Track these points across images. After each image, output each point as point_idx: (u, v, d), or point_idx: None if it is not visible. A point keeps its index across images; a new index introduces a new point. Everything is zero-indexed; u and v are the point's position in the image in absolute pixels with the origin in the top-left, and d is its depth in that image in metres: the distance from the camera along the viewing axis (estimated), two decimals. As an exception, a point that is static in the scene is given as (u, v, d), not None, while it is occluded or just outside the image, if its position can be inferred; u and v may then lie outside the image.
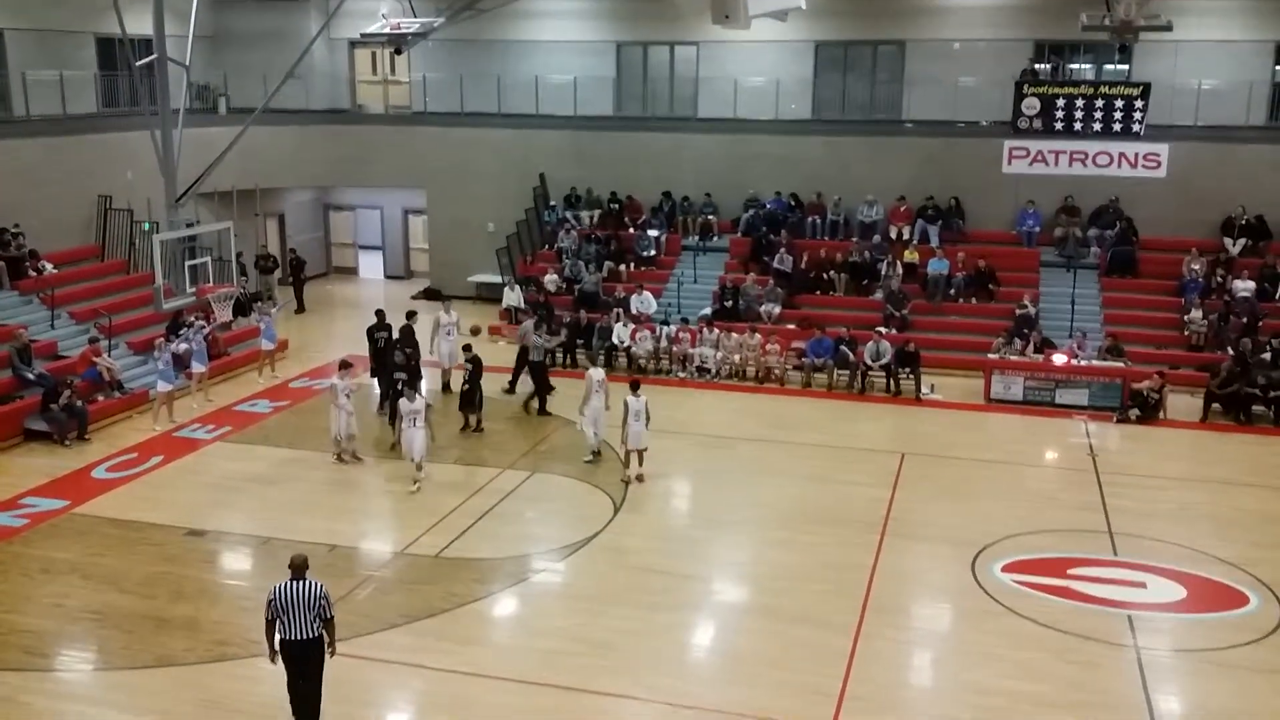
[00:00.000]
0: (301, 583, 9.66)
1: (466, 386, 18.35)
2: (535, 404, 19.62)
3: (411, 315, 20.29)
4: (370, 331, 19.97)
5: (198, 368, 20.10)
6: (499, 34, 28.36)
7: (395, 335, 19.54)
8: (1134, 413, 19.64)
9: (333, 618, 9.89)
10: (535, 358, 19.89)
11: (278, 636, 9.71)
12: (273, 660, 9.85)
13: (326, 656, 9.97)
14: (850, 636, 11.91)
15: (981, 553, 14.04)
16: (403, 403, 16.04)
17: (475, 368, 18.26)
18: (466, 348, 18.94)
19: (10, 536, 14.35)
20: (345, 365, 17.25)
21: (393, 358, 18.61)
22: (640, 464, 16.46)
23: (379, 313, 20.12)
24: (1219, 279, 23.21)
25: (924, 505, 15.78)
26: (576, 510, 15.47)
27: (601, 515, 15.18)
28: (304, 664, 9.83)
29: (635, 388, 16.58)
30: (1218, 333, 21.95)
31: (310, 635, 9.70)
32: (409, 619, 12.25)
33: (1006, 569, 13.61)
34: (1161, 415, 19.69)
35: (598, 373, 17.21)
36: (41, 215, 22.49)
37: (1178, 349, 22.23)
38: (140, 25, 21.90)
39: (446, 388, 20.73)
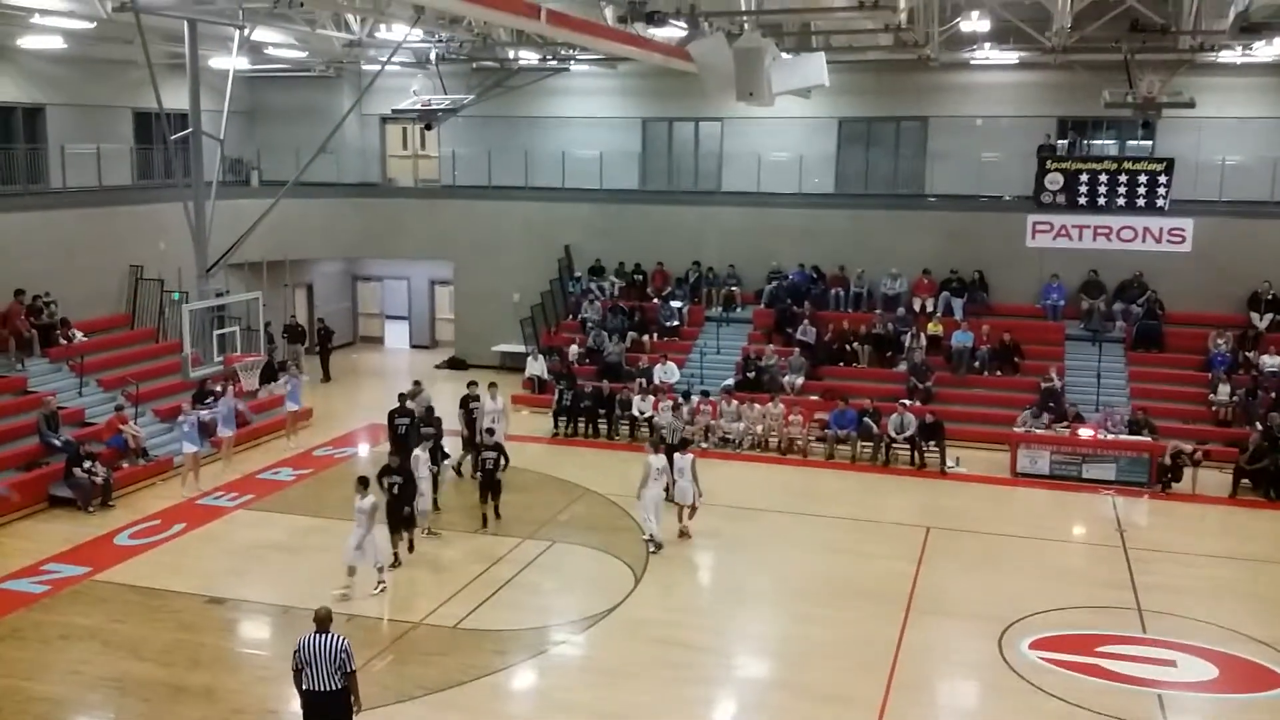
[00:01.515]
0: (324, 636, 9.79)
1: (487, 470, 17.34)
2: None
3: (472, 387, 20.42)
4: (391, 416, 19.50)
5: (225, 433, 20.24)
6: (527, 110, 28.90)
7: (419, 413, 19.44)
8: (1168, 479, 19.60)
9: (354, 671, 9.92)
10: (669, 440, 18.84)
11: (304, 685, 9.84)
12: (302, 708, 10.00)
13: (354, 711, 10.00)
14: (875, 714, 11.68)
15: (1008, 629, 13.79)
16: (357, 499, 14.61)
17: (500, 455, 17.52)
18: (474, 383, 19.54)
19: (31, 603, 14.36)
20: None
21: (415, 442, 17.71)
22: (690, 517, 16.87)
23: (402, 396, 19.77)
24: (1246, 354, 23.03)
25: (950, 580, 15.56)
26: (597, 581, 15.35)
27: (622, 587, 15.05)
28: (326, 716, 9.87)
29: (683, 445, 17.75)
30: (1246, 408, 21.72)
31: (331, 688, 9.77)
32: (426, 691, 12.12)
33: (1034, 645, 13.36)
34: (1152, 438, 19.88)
35: (657, 459, 16.44)
36: (74, 284, 22.87)
37: (1205, 424, 21.99)
38: (177, 101, 22.44)
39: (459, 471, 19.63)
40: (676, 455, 16.87)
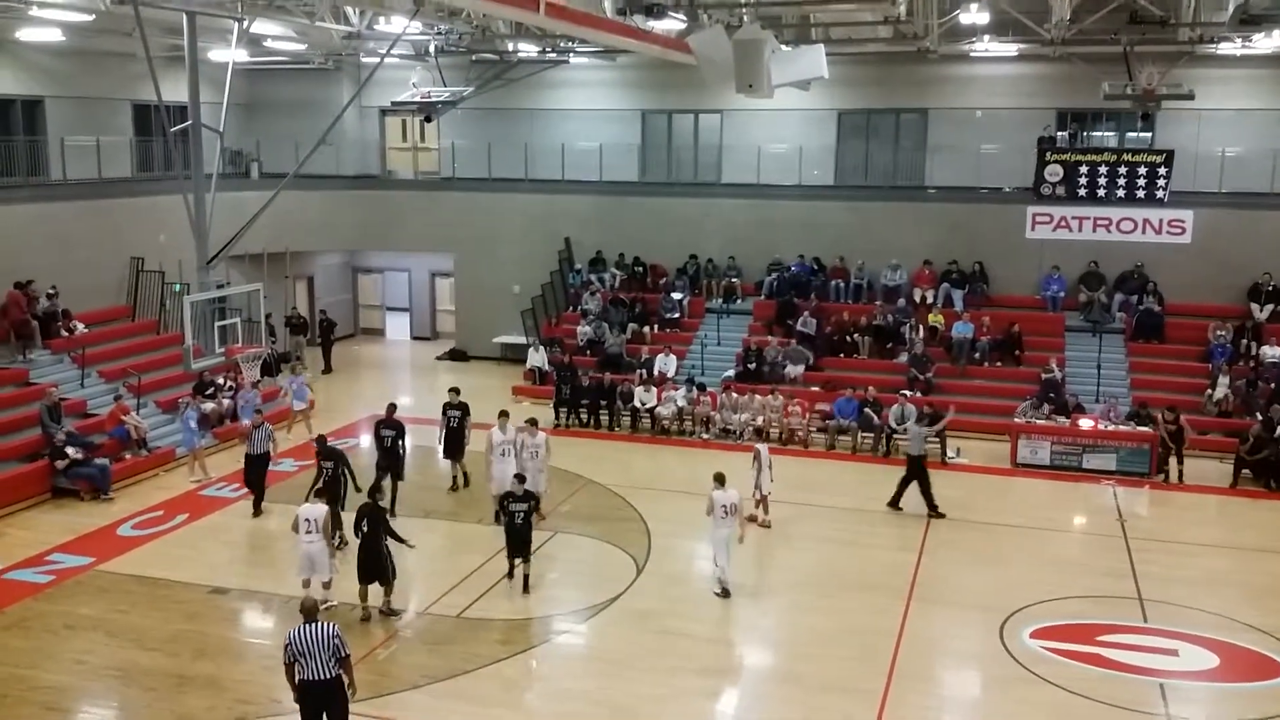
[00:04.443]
0: (314, 625, 9.83)
1: (453, 429, 17.52)
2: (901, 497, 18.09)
3: (452, 394, 18.63)
4: (377, 427, 17.89)
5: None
6: (526, 102, 28.87)
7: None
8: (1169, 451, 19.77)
9: (348, 656, 9.97)
10: (914, 451, 18.01)
11: (298, 677, 9.86)
12: (296, 700, 9.99)
13: (349, 696, 10.04)
14: (876, 705, 11.73)
15: (1010, 619, 13.84)
16: (304, 508, 13.82)
17: (464, 414, 17.90)
18: (454, 390, 18.64)
19: (35, 593, 14.41)
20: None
21: (398, 458, 17.32)
22: (766, 511, 17.06)
23: (391, 407, 17.96)
24: (1246, 345, 23.08)
25: (951, 570, 15.62)
26: (599, 571, 15.40)
27: (624, 577, 15.10)
28: (327, 704, 9.93)
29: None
30: (1246, 399, 21.77)
31: (328, 675, 9.82)
32: (430, 679, 12.17)
33: (1035, 635, 13.41)
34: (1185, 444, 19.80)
35: (726, 495, 14.38)
36: (75, 276, 22.89)
37: (1206, 414, 22.03)
38: (176, 93, 22.43)
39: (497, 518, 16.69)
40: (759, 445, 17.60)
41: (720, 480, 14.59)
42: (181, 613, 13.86)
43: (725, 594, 14.35)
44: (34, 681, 12.05)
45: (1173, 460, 19.91)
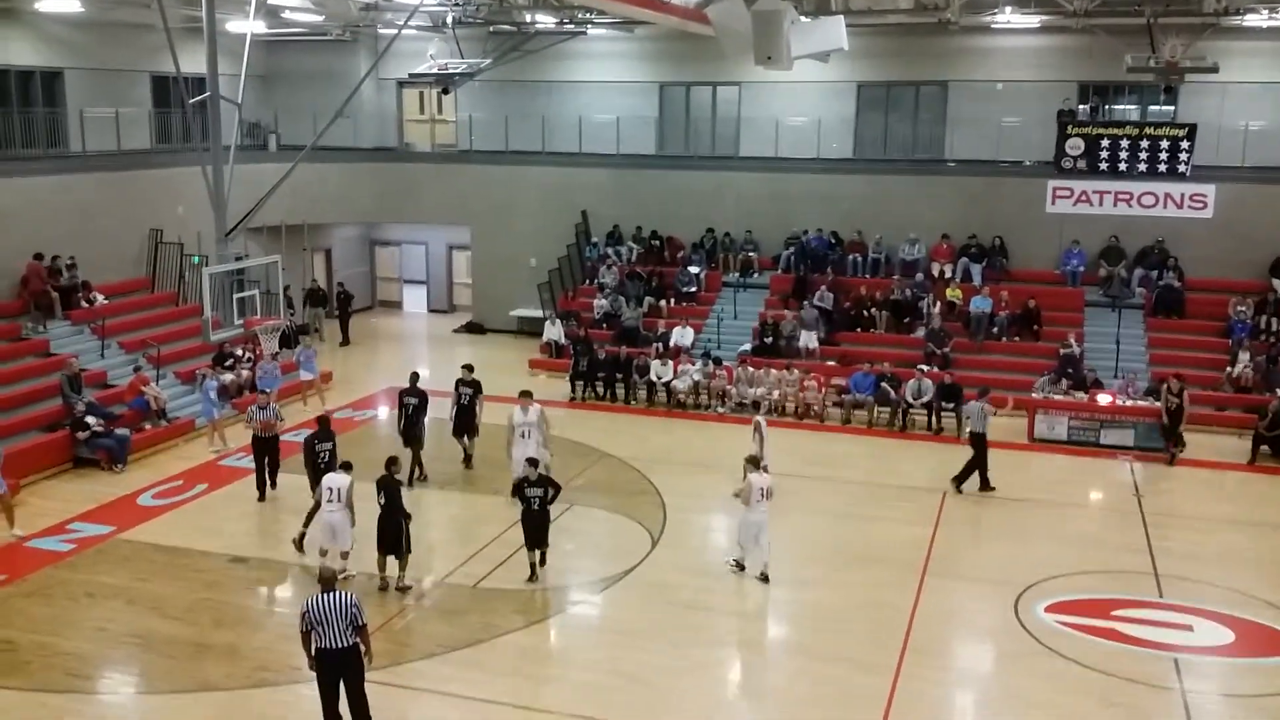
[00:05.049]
0: (332, 594, 9.92)
1: (464, 406, 17.33)
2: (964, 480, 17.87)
3: (465, 371, 18.20)
4: (400, 396, 17.86)
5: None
6: (544, 74, 28.78)
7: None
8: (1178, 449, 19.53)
9: (365, 625, 10.08)
10: (978, 428, 17.69)
11: (315, 645, 9.97)
12: (311, 666, 10.11)
13: (366, 663, 10.16)
14: (889, 678, 11.76)
15: (1024, 593, 13.85)
16: (329, 477, 13.80)
17: (476, 391, 17.79)
18: (468, 367, 18.31)
19: (57, 561, 14.59)
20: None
21: (420, 427, 17.51)
22: None
23: (414, 375, 18.12)
24: (1267, 320, 22.89)
25: (966, 545, 15.63)
26: (614, 543, 15.48)
27: (639, 549, 15.17)
28: (343, 672, 10.05)
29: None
30: (1266, 375, 21.62)
31: (345, 644, 9.92)
32: (446, 649, 12.28)
33: (1050, 610, 13.42)
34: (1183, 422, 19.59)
35: (762, 479, 14.06)
36: (95, 247, 23.03)
37: (1224, 391, 21.89)
38: (194, 65, 22.46)
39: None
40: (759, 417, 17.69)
41: (755, 463, 14.26)
42: (201, 581, 14.01)
43: (765, 579, 13.93)
44: (56, 648, 12.22)
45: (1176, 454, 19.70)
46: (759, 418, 17.91)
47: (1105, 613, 13.38)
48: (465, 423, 18.14)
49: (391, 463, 13.85)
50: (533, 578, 13.97)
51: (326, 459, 15.15)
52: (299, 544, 14.79)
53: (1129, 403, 20.47)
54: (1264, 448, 19.53)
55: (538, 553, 14.04)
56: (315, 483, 14.78)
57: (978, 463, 17.64)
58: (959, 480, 17.72)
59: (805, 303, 24.83)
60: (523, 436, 16.43)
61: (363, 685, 10.19)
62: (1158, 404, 20.14)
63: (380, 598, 13.38)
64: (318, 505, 14.25)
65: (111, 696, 11.54)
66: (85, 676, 11.73)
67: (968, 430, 18.19)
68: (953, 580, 14.33)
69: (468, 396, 18.06)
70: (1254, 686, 11.83)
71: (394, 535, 13.46)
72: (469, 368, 18.50)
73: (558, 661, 12.46)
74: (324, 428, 15.76)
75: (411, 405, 17.55)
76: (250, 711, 11.01)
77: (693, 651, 12.33)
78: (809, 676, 11.88)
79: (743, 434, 18.57)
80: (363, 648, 10.09)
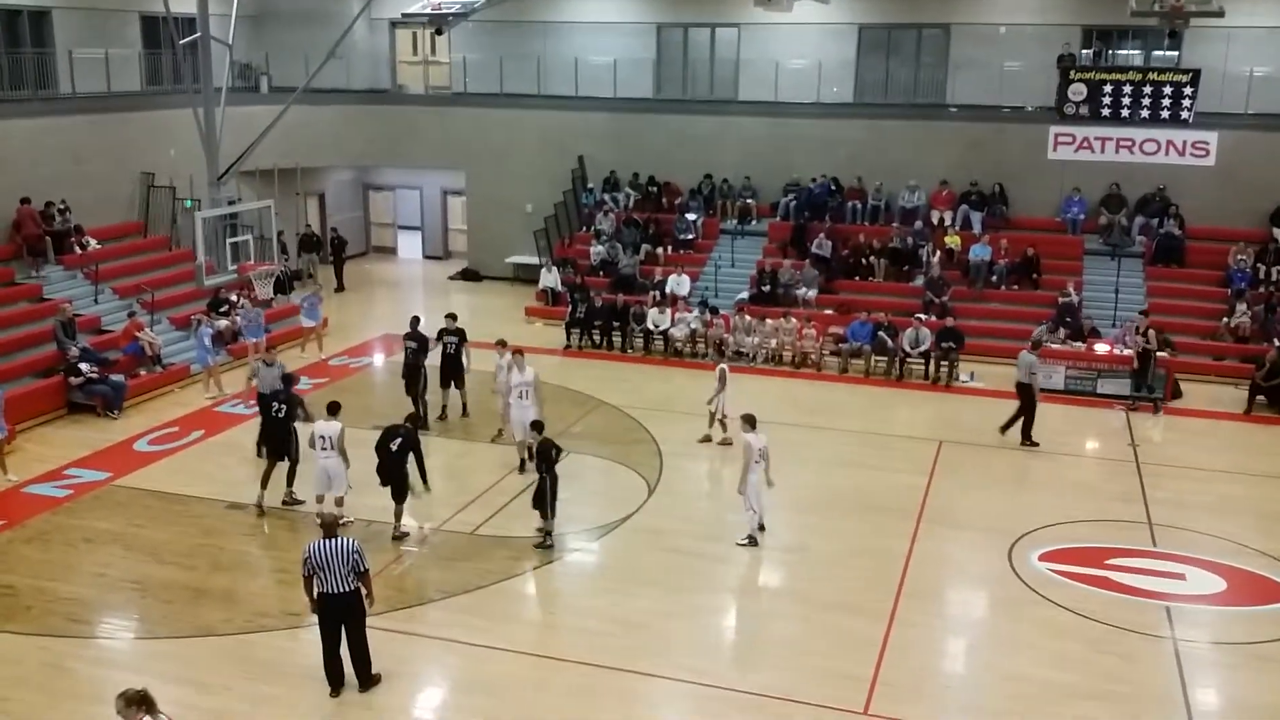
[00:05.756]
0: (334, 540, 9.98)
1: (450, 355, 17.43)
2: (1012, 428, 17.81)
3: (449, 320, 18.07)
4: (404, 340, 17.96)
5: (252, 339, 20.68)
6: (539, 15, 28.35)
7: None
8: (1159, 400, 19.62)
9: (367, 570, 10.15)
10: (1023, 379, 17.48)
11: (317, 590, 10.06)
12: (312, 610, 10.21)
13: (366, 608, 10.26)
14: (884, 623, 11.85)
15: (1018, 541, 13.92)
16: (319, 425, 13.81)
17: (461, 340, 17.67)
18: (451, 316, 18.06)
19: (54, 507, 14.60)
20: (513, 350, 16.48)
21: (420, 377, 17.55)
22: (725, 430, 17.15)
23: (415, 319, 18.22)
24: (1266, 270, 22.81)
25: (961, 493, 15.66)
26: (610, 491, 15.50)
27: (636, 497, 15.20)
28: (345, 616, 10.14)
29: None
30: (1264, 324, 21.58)
31: (347, 589, 10.01)
32: (444, 594, 12.36)
33: (1044, 558, 13.49)
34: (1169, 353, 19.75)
35: (758, 439, 13.68)
36: (85, 191, 22.77)
37: (1223, 340, 21.86)
38: (184, 4, 22.08)
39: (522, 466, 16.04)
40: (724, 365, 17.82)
41: (751, 423, 13.82)
42: (198, 527, 14.03)
43: (753, 542, 13.68)
44: (55, 593, 12.26)
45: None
46: (723, 365, 17.86)
47: (1099, 561, 13.45)
48: (452, 373, 18.03)
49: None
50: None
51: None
52: (289, 500, 14.79)
53: (1126, 352, 20.44)
54: (1260, 398, 19.54)
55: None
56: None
57: (1023, 412, 17.55)
58: (1004, 427, 17.75)
59: (806, 261, 24.62)
60: (520, 397, 15.91)
61: (364, 630, 10.30)
62: (1160, 354, 20.12)
63: (379, 543, 13.38)
64: (272, 468, 14.63)
65: (111, 641, 11.59)
66: (85, 621, 11.79)
67: (1017, 381, 17.73)
68: (948, 528, 14.39)
69: (453, 345, 17.85)
70: (1245, 634, 11.92)
71: (396, 480, 13.52)
72: (452, 316, 18.29)
73: (555, 607, 12.54)
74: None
75: (411, 349, 17.67)
76: (249, 656, 11.07)
77: (689, 597, 12.40)
78: (804, 621, 11.97)
79: (739, 383, 18.61)
80: (364, 593, 10.17)
